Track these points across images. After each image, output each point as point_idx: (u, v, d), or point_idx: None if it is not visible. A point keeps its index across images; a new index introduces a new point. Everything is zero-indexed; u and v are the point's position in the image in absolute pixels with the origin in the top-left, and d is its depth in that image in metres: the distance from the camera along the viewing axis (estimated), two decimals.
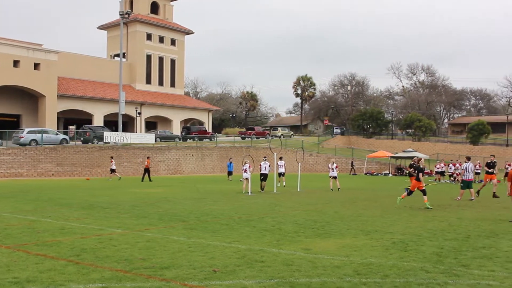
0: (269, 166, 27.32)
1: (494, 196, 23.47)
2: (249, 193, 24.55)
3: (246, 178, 25.41)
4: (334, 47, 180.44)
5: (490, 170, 24.66)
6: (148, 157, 39.74)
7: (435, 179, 41.98)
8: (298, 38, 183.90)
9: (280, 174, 30.65)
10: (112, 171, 38.59)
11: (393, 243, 10.97)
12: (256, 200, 21.54)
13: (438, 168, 42.01)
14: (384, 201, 21.41)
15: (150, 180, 36.45)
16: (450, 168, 42.16)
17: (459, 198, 22.25)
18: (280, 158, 31.78)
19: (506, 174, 37.23)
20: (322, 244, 10.83)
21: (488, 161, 25.17)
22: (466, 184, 22.11)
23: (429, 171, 50.75)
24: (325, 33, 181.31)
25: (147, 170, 37.26)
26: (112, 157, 39.68)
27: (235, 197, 22.87)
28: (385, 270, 8.36)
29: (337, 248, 10.29)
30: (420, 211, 17.43)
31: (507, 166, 39.00)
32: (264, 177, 26.31)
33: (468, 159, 22.53)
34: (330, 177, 28.24)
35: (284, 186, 29.71)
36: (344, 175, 48.49)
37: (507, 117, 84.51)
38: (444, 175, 42.56)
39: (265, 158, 27.61)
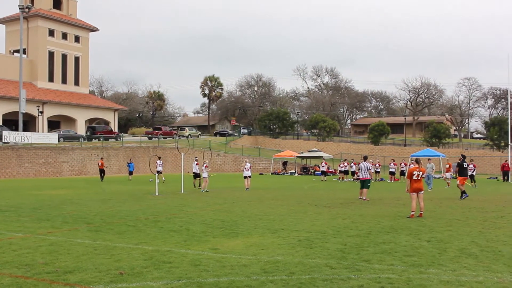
0: (197, 165, 30.40)
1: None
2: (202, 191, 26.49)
3: (204, 177, 27.36)
4: (241, 48, 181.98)
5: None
6: (101, 158, 40.95)
7: (339, 178, 43.32)
8: (205, 39, 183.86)
9: (196, 175, 30.75)
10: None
11: (299, 240, 11.22)
12: (164, 200, 21.34)
13: (341, 168, 43.34)
14: (291, 200, 21.84)
15: (101, 180, 37.56)
16: (352, 167, 43.75)
17: (363, 198, 22.12)
18: (196, 159, 31.83)
19: (402, 173, 39.09)
20: (230, 243, 10.90)
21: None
22: (362, 183, 22.28)
23: (333, 170, 52.32)
24: (232, 34, 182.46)
25: (102, 171, 38.51)
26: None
27: (142, 198, 22.54)
28: (291, 267, 8.53)
29: (244, 247, 10.39)
30: (325, 209, 17.93)
31: (403, 165, 40.87)
32: (195, 175, 29.87)
33: (365, 158, 22.84)
34: (245, 177, 28.42)
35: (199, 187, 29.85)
36: (255, 174, 48.82)
37: (405, 118, 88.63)
38: (348, 174, 43.97)
39: (196, 158, 30.96)
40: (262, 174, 55.75)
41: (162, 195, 24.16)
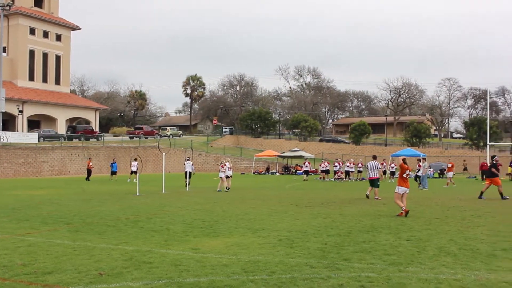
0: (192, 165, 31.41)
1: None
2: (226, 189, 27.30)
3: (221, 177, 27.60)
4: (224, 47, 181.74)
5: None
6: (89, 158, 41.78)
7: (320, 178, 43.45)
8: (188, 38, 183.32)
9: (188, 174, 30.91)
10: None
11: (280, 240, 11.25)
12: (145, 200, 21.24)
13: (323, 167, 43.46)
14: (272, 200, 21.87)
15: (87, 179, 38.22)
16: (335, 166, 43.89)
17: (376, 197, 22.18)
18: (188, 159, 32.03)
19: (385, 172, 39.49)
20: (211, 243, 10.89)
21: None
22: (371, 182, 22.53)
23: (314, 169, 52.49)
24: (214, 34, 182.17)
25: (89, 171, 39.08)
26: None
27: (123, 198, 22.41)
28: (272, 267, 8.55)
29: (225, 247, 10.39)
30: (305, 209, 17.98)
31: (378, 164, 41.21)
32: (187, 174, 29.95)
33: (374, 157, 22.96)
34: (227, 177, 28.39)
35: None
36: (236, 174, 48.82)
37: (386, 118, 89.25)
38: (329, 173, 44.12)
39: (188, 158, 31.35)
40: (244, 173, 55.74)
41: (143, 195, 24.06)
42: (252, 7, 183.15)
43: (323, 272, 8.15)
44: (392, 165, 41.69)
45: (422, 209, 17.75)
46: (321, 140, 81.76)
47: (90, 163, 40.40)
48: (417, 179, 33.40)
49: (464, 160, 57.41)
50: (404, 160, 16.58)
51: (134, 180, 35.52)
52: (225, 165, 28.16)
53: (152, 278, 7.77)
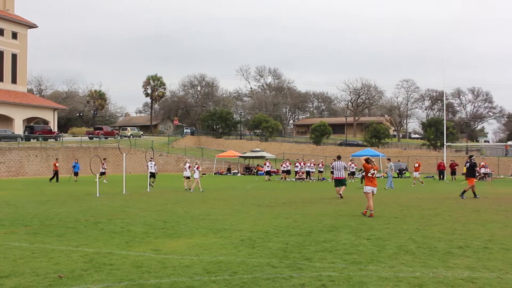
0: (155, 165, 32.06)
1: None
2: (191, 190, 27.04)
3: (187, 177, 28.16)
4: (184, 47, 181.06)
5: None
6: (56, 159, 41.20)
7: (281, 178, 43.65)
8: (148, 38, 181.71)
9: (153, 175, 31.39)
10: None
11: (242, 240, 11.26)
12: (105, 201, 20.97)
13: (284, 167, 43.66)
14: (233, 200, 21.87)
15: (55, 180, 37.69)
16: (297, 167, 44.15)
17: (340, 194, 22.74)
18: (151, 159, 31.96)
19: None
20: (172, 244, 10.83)
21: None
22: (337, 182, 23.10)
23: (275, 170, 52.70)
24: (175, 34, 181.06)
25: (56, 172, 38.26)
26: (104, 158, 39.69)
27: (83, 199, 22.08)
28: (234, 267, 8.56)
29: (187, 248, 10.35)
30: (267, 209, 18.04)
31: (311, 165, 42.04)
32: (151, 174, 30.43)
33: (339, 158, 23.61)
34: (186, 177, 28.26)
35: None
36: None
37: (346, 119, 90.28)
38: (290, 173, 44.36)
39: (151, 159, 31.77)
40: (205, 174, 55.56)
41: (103, 196, 23.75)
42: (211, 8, 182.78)
43: (285, 272, 8.20)
44: (352, 165, 42.16)
45: (382, 209, 18.00)
46: (340, 144, 79.83)
47: (57, 164, 39.41)
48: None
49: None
50: (367, 160, 16.67)
51: (104, 181, 35.36)
52: (188, 166, 28.22)
53: (113, 280, 7.68)
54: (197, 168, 27.82)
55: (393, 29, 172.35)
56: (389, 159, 34.14)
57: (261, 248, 10.29)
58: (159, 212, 16.97)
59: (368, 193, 16.01)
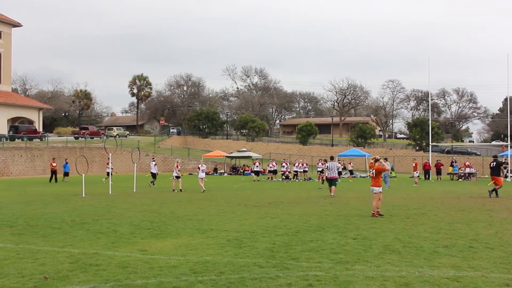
0: (155, 165, 33.26)
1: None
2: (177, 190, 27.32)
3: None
4: (170, 47, 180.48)
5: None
6: (53, 158, 40.60)
7: (268, 178, 43.67)
8: (133, 37, 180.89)
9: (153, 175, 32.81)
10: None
11: (228, 240, 11.25)
12: (91, 202, 20.85)
13: (270, 167, 43.67)
14: (220, 200, 21.85)
15: (53, 181, 37.28)
16: (283, 166, 44.15)
17: (331, 194, 23.53)
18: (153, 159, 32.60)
19: (322, 171, 40.38)
20: (159, 244, 10.80)
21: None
22: (330, 181, 23.83)
23: (262, 170, 52.71)
24: (160, 33, 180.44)
25: (53, 172, 37.75)
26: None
27: (68, 199, 21.94)
28: (220, 267, 8.55)
29: (173, 248, 10.32)
30: (254, 209, 18.04)
31: (320, 164, 41.98)
32: (152, 175, 32.23)
33: (332, 158, 24.34)
34: (178, 177, 28.20)
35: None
36: (184, 175, 48.56)
37: (332, 119, 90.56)
38: (276, 173, 44.37)
39: (153, 159, 33.46)
40: (192, 174, 55.45)
41: (89, 196, 23.62)
42: (197, 7, 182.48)
43: (271, 272, 8.21)
44: (338, 165, 42.24)
45: (368, 208, 18.06)
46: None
47: (54, 164, 38.54)
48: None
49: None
50: (376, 160, 16.56)
51: (104, 180, 35.13)
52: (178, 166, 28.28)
53: (99, 281, 7.64)
54: (176, 167, 28.05)
55: (378, 30, 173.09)
56: (386, 159, 34.31)
57: (247, 248, 10.29)
58: (145, 213, 16.91)
59: (379, 193, 15.93)
